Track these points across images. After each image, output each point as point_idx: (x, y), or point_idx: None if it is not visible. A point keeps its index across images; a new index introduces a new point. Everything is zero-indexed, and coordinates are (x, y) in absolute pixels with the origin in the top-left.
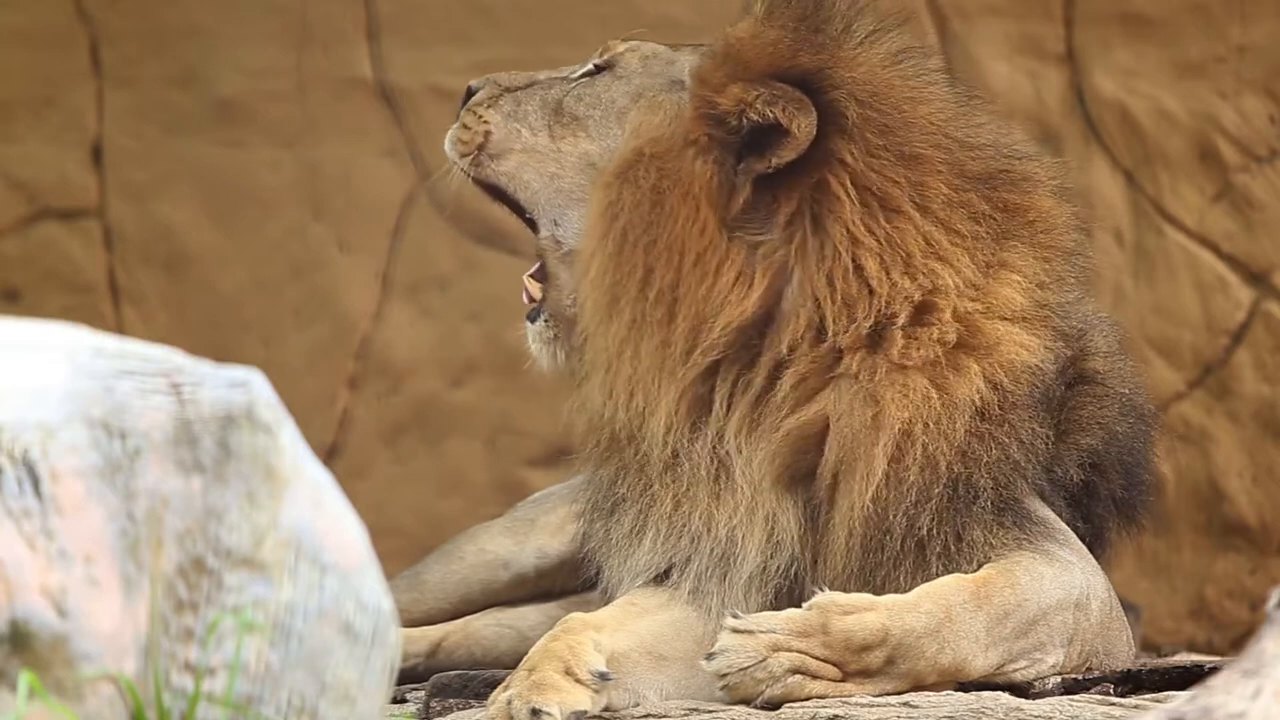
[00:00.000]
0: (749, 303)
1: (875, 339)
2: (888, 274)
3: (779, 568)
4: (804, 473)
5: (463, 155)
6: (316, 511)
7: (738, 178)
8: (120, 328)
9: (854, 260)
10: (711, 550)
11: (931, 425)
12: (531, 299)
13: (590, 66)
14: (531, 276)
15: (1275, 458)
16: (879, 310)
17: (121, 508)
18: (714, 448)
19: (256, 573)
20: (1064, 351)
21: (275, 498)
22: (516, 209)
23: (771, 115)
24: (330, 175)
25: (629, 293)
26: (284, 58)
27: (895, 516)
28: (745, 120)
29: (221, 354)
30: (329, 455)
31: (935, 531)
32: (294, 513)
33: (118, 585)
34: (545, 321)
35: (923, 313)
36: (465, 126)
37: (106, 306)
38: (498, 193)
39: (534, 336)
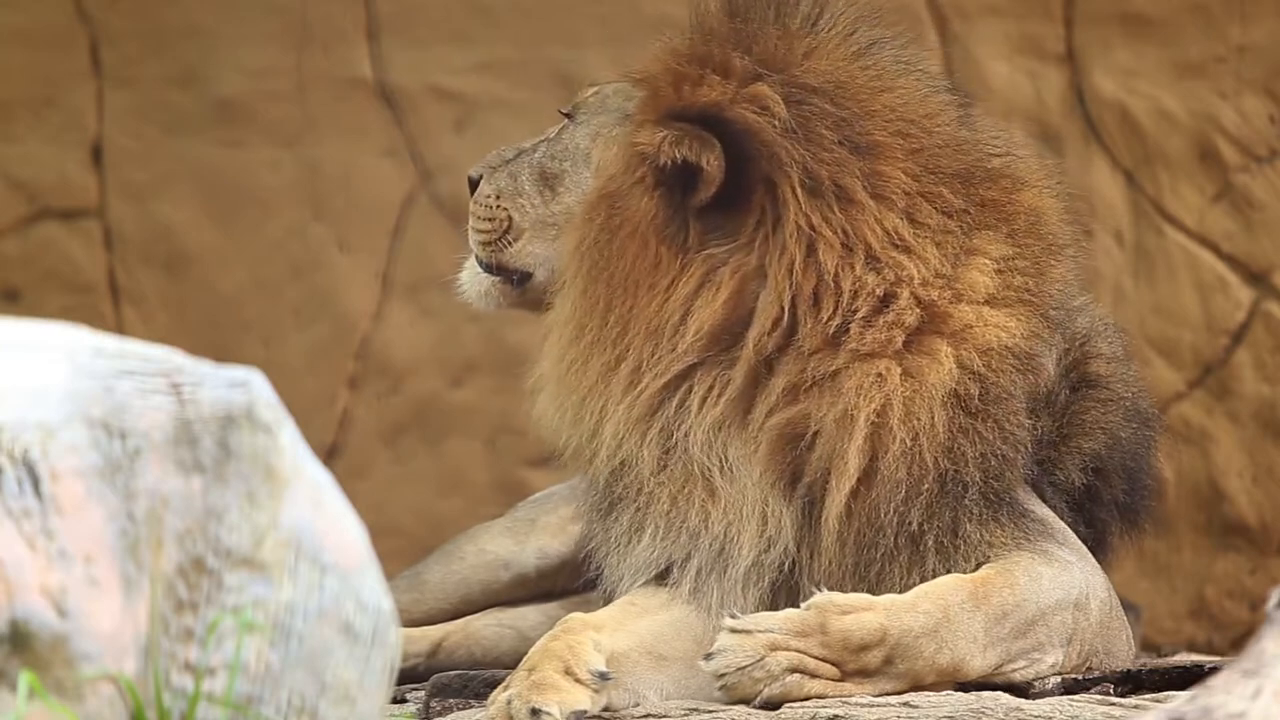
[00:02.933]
0: (716, 304)
1: (838, 334)
2: (851, 267)
3: (773, 562)
4: (796, 471)
5: (485, 245)
6: (316, 511)
7: (687, 210)
8: (120, 328)
9: (810, 253)
10: (710, 546)
11: (906, 415)
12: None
13: (563, 120)
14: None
15: (1275, 458)
16: (844, 306)
17: (121, 508)
18: (690, 448)
19: (256, 573)
20: (1060, 344)
21: (275, 498)
22: (511, 271)
23: (680, 156)
24: (330, 175)
25: (592, 322)
26: (284, 58)
27: (886, 513)
28: (664, 160)
29: (221, 354)
30: (329, 455)
31: (927, 527)
32: (294, 513)
33: (118, 585)
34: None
35: (883, 302)
36: (485, 219)
37: (106, 306)
38: (511, 274)
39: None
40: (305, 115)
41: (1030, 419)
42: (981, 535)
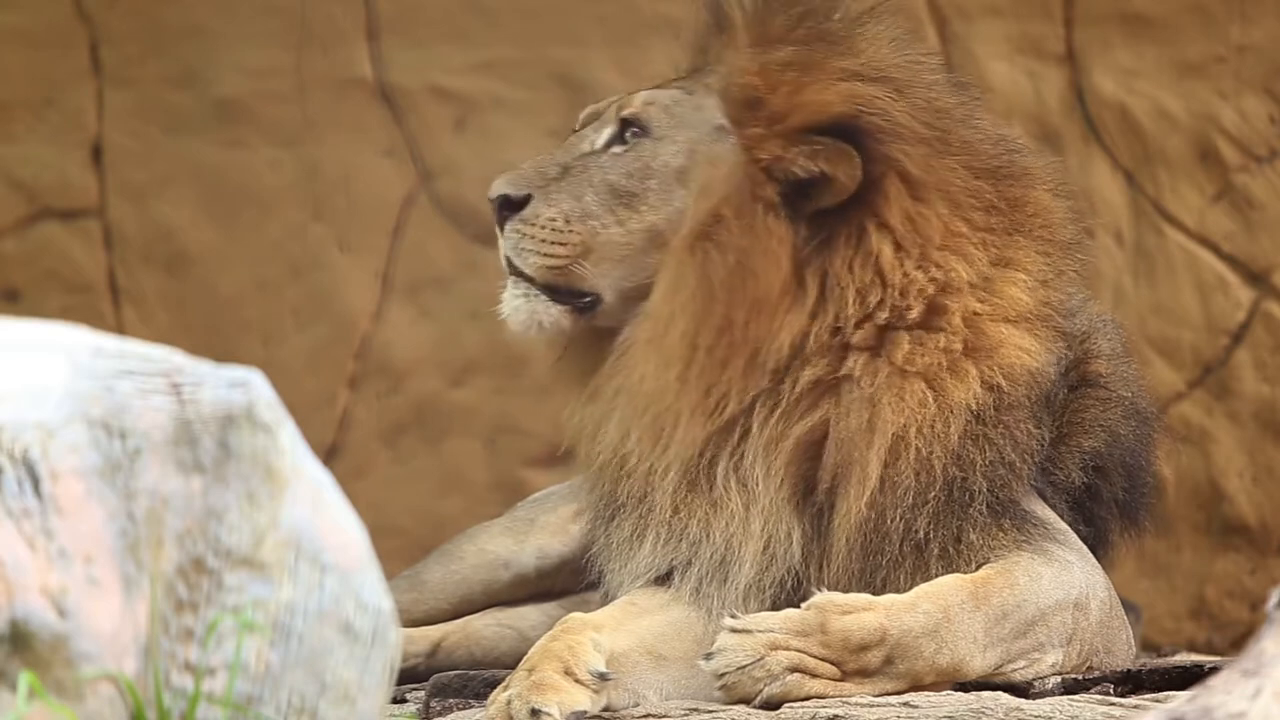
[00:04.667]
0: (803, 313)
1: (881, 340)
2: (901, 263)
3: (775, 579)
4: (811, 480)
5: (555, 270)
6: (316, 511)
7: (796, 221)
8: (120, 328)
9: (884, 250)
10: (711, 556)
11: (926, 429)
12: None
13: (610, 132)
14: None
15: (1275, 458)
16: (896, 304)
17: (121, 508)
18: (734, 469)
19: (256, 573)
20: (1065, 353)
21: (275, 498)
22: (579, 295)
23: (819, 170)
24: (330, 175)
25: (703, 343)
26: (284, 58)
27: (893, 520)
28: (801, 175)
29: (221, 354)
30: (329, 455)
31: (933, 534)
32: (294, 513)
33: (118, 585)
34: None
35: (933, 314)
36: (557, 244)
37: (106, 306)
38: (580, 298)
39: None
40: (305, 115)
41: (1038, 429)
42: (984, 540)
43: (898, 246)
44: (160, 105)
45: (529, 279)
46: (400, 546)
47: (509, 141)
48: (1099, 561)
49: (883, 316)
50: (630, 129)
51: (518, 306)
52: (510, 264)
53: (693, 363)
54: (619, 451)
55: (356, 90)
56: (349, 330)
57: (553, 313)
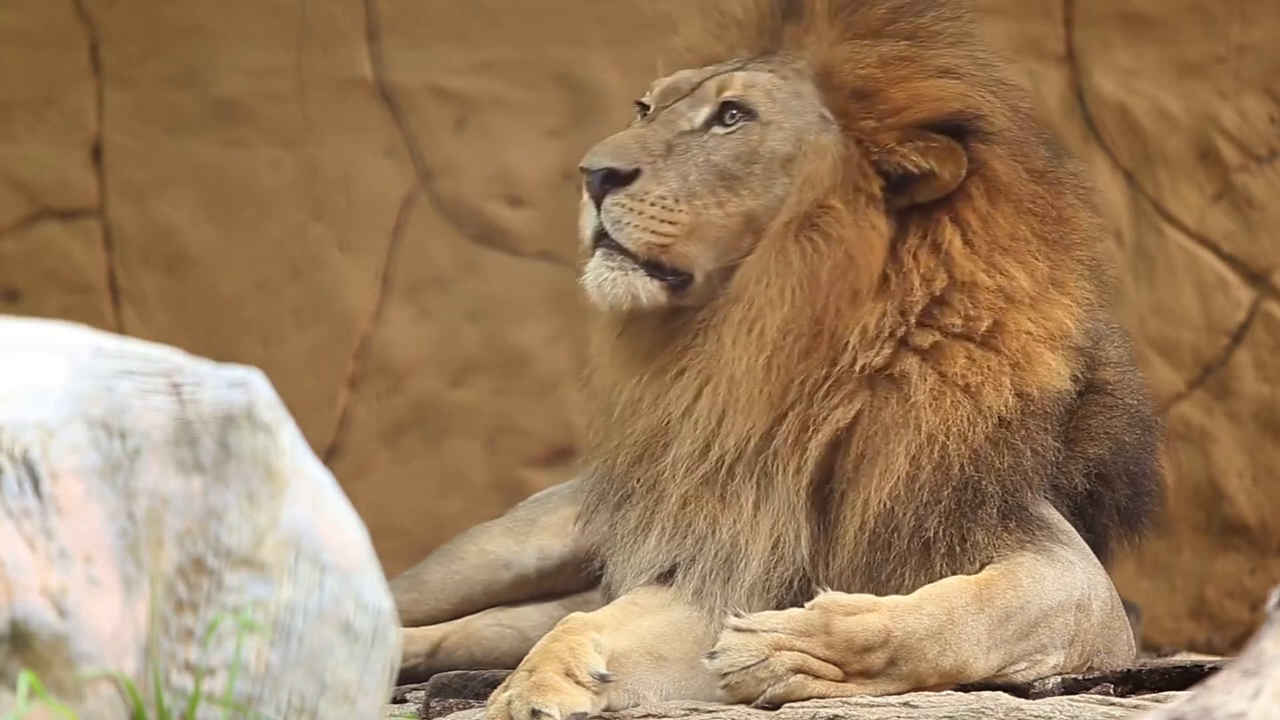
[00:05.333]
0: (877, 308)
1: (938, 348)
2: (969, 260)
3: (782, 579)
4: (829, 467)
5: (660, 248)
6: (316, 511)
7: (889, 214)
8: (120, 328)
9: (944, 241)
10: (716, 553)
11: (955, 431)
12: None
13: (709, 112)
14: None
15: (1275, 458)
16: (965, 311)
17: (121, 508)
18: (758, 460)
19: (256, 573)
20: (1081, 371)
21: (275, 498)
22: (675, 274)
23: (928, 166)
24: (330, 175)
25: (797, 332)
26: (284, 58)
27: (905, 515)
28: (911, 170)
29: (221, 354)
30: (329, 455)
31: (941, 533)
32: (294, 513)
33: (118, 585)
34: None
35: (995, 333)
36: (666, 221)
37: (106, 306)
38: (674, 276)
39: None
40: (305, 115)
41: (1055, 441)
42: (990, 540)
43: (968, 244)
44: (160, 105)
45: (628, 254)
46: (400, 546)
47: (509, 141)
48: None
49: (952, 324)
50: (731, 111)
51: (613, 279)
52: (603, 237)
53: (782, 350)
54: (669, 429)
55: (356, 90)
56: (349, 330)
57: (651, 288)
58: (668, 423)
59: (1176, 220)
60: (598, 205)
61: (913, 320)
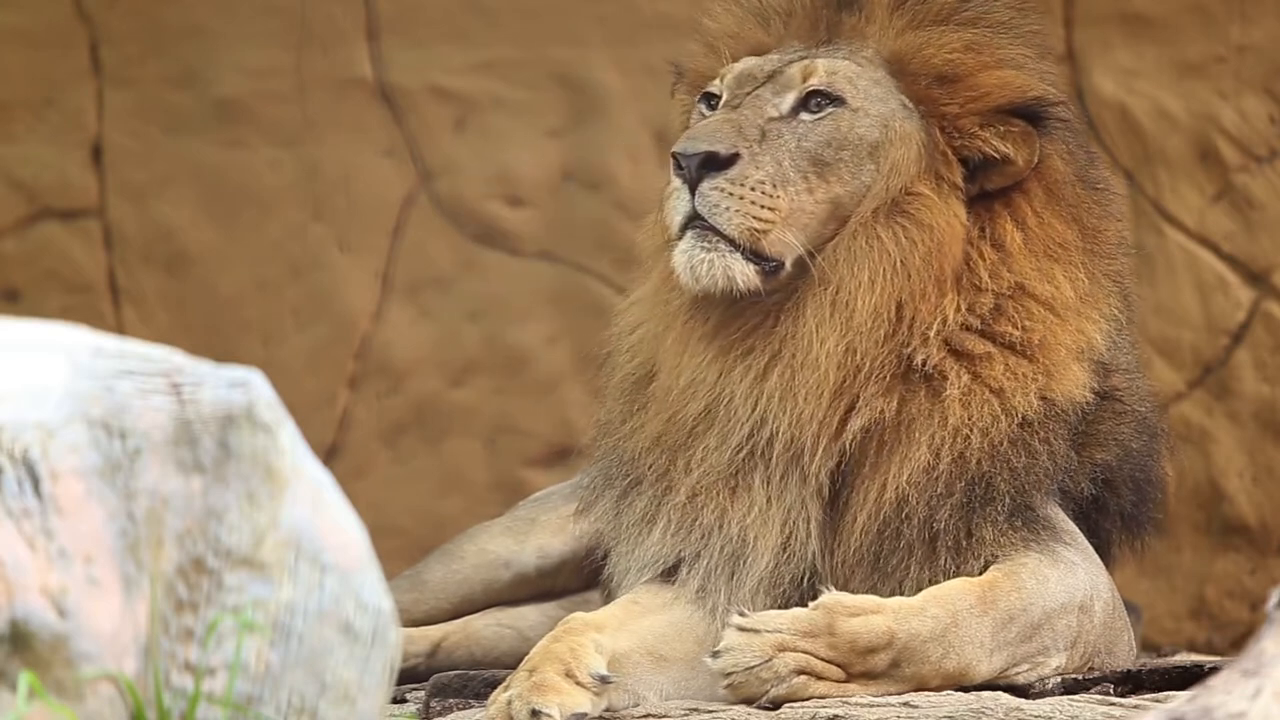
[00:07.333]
0: (945, 300)
1: (978, 351)
2: (1024, 258)
3: (789, 574)
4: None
5: (760, 233)
6: (316, 511)
7: (965, 203)
8: (120, 328)
9: (1004, 236)
10: (722, 548)
11: (979, 426)
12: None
13: (795, 98)
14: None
15: (1275, 458)
16: (1023, 322)
17: (121, 508)
18: (801, 444)
19: (256, 573)
20: (1098, 380)
21: (275, 498)
22: (768, 259)
23: (1007, 151)
24: (330, 175)
25: (884, 317)
26: (284, 58)
27: (918, 503)
28: (991, 155)
29: (221, 354)
30: (329, 455)
31: (949, 525)
32: (294, 513)
33: (118, 585)
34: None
35: (1041, 348)
36: (765, 207)
37: (106, 306)
38: (768, 262)
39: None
40: (305, 115)
41: (1068, 448)
42: (995, 537)
43: (1026, 243)
44: (160, 105)
45: (725, 237)
46: (400, 546)
47: (509, 141)
48: None
49: (1006, 333)
50: (818, 98)
51: (709, 260)
52: (695, 220)
53: (864, 335)
54: (719, 410)
55: (356, 90)
56: (349, 330)
57: (748, 271)
58: (726, 402)
59: (1176, 220)
60: (692, 190)
61: (976, 321)
